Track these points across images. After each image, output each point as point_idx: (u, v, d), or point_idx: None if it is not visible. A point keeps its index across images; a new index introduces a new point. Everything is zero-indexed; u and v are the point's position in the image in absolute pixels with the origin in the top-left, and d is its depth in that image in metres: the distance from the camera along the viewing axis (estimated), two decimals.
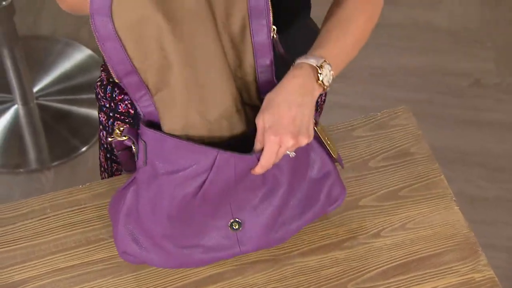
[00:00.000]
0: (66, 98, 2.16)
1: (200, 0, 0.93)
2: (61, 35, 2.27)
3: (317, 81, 0.96)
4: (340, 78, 2.24)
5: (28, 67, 2.07)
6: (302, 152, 1.03)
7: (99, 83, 1.18)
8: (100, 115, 1.20)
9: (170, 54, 0.94)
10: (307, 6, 1.16)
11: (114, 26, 0.91)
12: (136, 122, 1.16)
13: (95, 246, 1.09)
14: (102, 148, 1.24)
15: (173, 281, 1.06)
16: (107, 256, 1.08)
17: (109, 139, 1.02)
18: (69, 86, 2.18)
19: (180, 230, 1.03)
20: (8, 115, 2.12)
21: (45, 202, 1.13)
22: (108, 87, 1.16)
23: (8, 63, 2.02)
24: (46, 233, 1.10)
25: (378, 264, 1.08)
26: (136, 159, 1.01)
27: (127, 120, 1.16)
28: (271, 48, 0.98)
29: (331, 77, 0.97)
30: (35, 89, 2.15)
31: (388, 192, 1.16)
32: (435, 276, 1.07)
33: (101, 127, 1.21)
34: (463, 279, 1.07)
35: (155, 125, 0.99)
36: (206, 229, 1.04)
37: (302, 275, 1.07)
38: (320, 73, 0.96)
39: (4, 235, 1.10)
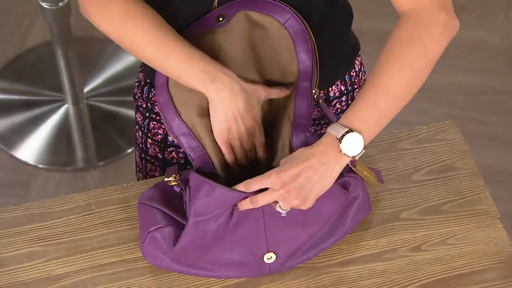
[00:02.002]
0: (115, 100, 2.19)
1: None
2: None
3: (339, 152, 0.96)
4: None
5: (80, 67, 2.11)
6: (340, 191, 1.05)
7: (136, 84, 1.19)
8: (136, 115, 1.22)
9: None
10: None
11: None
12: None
13: (136, 244, 1.10)
14: (137, 148, 1.25)
15: (212, 283, 1.07)
16: None
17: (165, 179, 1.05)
18: (119, 87, 2.21)
19: (214, 258, 1.05)
20: (58, 114, 2.16)
21: (90, 198, 1.15)
22: (145, 87, 1.17)
23: (61, 64, 2.05)
24: (90, 229, 1.12)
25: (418, 278, 1.07)
26: (184, 206, 1.04)
27: (162, 121, 1.17)
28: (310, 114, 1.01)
29: (362, 143, 0.96)
30: (86, 89, 2.19)
31: (431, 206, 1.14)
32: None
33: (137, 127, 1.23)
34: None
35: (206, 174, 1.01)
36: (239, 260, 1.05)
37: (340, 284, 1.07)
38: (340, 144, 0.96)
39: (49, 229, 1.12)
